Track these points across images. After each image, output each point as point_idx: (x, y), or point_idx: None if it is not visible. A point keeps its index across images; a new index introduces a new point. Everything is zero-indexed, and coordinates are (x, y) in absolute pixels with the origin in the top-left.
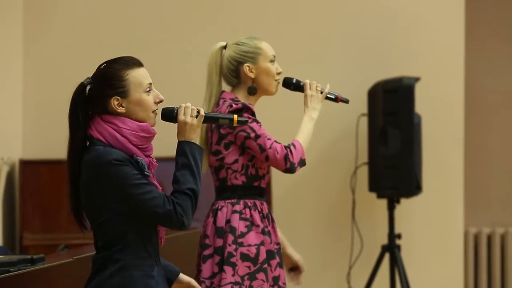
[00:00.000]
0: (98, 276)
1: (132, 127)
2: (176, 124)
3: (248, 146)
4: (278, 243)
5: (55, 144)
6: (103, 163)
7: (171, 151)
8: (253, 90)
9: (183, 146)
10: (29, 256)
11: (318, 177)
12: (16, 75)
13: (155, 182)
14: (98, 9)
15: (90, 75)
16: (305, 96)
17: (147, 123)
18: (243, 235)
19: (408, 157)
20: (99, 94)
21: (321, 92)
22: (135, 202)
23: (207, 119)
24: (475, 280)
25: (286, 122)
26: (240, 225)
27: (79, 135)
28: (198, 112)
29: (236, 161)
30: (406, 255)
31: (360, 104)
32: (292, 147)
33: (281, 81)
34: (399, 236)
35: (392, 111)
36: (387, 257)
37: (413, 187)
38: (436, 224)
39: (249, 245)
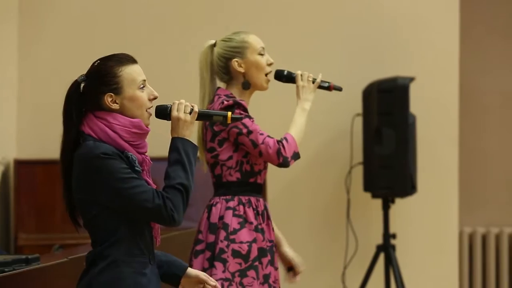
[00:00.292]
0: (88, 274)
1: (123, 122)
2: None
3: (241, 142)
4: (271, 241)
5: (50, 144)
6: (91, 157)
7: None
8: (247, 85)
9: (176, 143)
10: (24, 256)
11: (313, 177)
12: (11, 76)
13: (148, 179)
14: (94, 11)
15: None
16: (297, 87)
17: (139, 120)
18: (235, 231)
19: (403, 157)
20: (93, 91)
21: (313, 82)
22: (123, 197)
23: (201, 116)
24: (470, 280)
25: (281, 115)
26: (233, 222)
27: (72, 132)
28: (192, 108)
29: (230, 157)
30: (401, 255)
31: (354, 104)
32: (284, 141)
33: (273, 73)
34: (394, 236)
35: (386, 111)
36: (382, 257)
37: (408, 187)
38: (431, 224)
39: (241, 242)
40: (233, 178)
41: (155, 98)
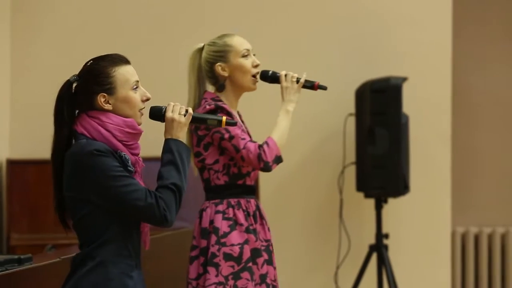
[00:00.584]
0: (76, 274)
1: (116, 121)
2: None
3: (224, 147)
4: (267, 240)
5: (42, 144)
6: (84, 153)
7: (158, 151)
8: (221, 87)
9: (170, 144)
10: (16, 256)
11: (305, 177)
12: (4, 75)
13: (140, 181)
14: (87, 11)
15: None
16: (281, 88)
17: (132, 119)
18: (225, 235)
19: (395, 157)
20: (86, 91)
21: (298, 82)
22: (115, 195)
23: (196, 119)
24: (462, 280)
25: (272, 116)
26: (223, 225)
27: (63, 132)
28: (187, 111)
29: (216, 161)
30: (393, 255)
31: (347, 104)
32: (265, 146)
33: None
34: (386, 236)
35: (379, 111)
36: (374, 257)
37: (400, 187)
38: (423, 223)
39: (232, 245)
40: (221, 181)
41: (147, 99)
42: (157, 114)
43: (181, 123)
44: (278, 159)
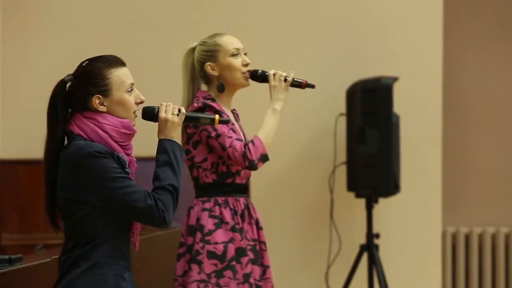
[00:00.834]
0: (68, 275)
1: (113, 122)
2: (157, 123)
3: (211, 145)
4: (254, 240)
5: (33, 144)
6: (84, 155)
7: (149, 151)
8: (221, 88)
9: (164, 144)
10: (7, 256)
11: (296, 177)
12: None
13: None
14: (78, 11)
15: (64, 76)
16: (269, 87)
17: (128, 120)
18: (210, 233)
19: (386, 156)
20: (81, 91)
21: (285, 80)
22: (114, 196)
23: (189, 118)
24: (453, 279)
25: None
26: (208, 223)
27: (57, 131)
28: (179, 110)
29: (205, 159)
30: (384, 255)
31: (338, 104)
32: (250, 144)
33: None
34: (377, 236)
35: (370, 111)
36: (365, 257)
37: (391, 187)
38: (414, 223)
39: (216, 243)
40: (209, 179)
41: (142, 102)
42: (150, 114)
43: (174, 123)
44: (264, 158)
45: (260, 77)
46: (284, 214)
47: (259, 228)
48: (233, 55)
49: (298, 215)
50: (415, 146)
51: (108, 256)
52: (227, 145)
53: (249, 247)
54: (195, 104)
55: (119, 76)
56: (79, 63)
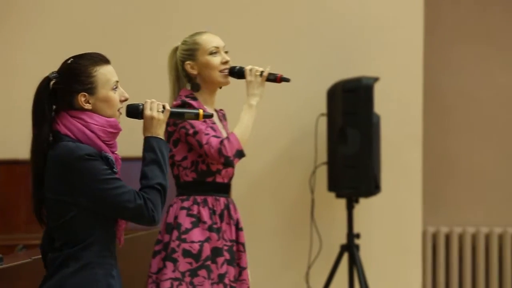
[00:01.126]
0: (58, 274)
1: (100, 122)
2: (140, 120)
3: (190, 142)
4: (232, 241)
5: (11, 144)
6: (74, 158)
7: (133, 151)
8: (196, 87)
9: (151, 142)
10: None
11: (277, 177)
12: None
13: None
14: (65, 10)
15: (48, 73)
16: (246, 82)
17: (115, 119)
18: (187, 231)
19: (367, 156)
20: (66, 89)
21: (261, 75)
22: (106, 198)
23: (173, 114)
24: (433, 279)
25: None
26: (185, 222)
27: (44, 129)
28: (164, 107)
29: (185, 158)
30: (364, 255)
31: (319, 104)
32: (226, 141)
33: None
34: (357, 236)
35: (351, 111)
36: (346, 257)
37: (372, 187)
38: (394, 223)
39: (192, 242)
40: (189, 178)
41: (126, 99)
42: (135, 112)
43: (160, 120)
44: (239, 154)
45: (237, 73)
46: (264, 214)
47: (238, 229)
48: (212, 53)
49: (279, 215)
50: (396, 146)
51: (98, 256)
52: (204, 142)
53: (226, 248)
54: (174, 102)
55: (105, 74)
56: (65, 60)
